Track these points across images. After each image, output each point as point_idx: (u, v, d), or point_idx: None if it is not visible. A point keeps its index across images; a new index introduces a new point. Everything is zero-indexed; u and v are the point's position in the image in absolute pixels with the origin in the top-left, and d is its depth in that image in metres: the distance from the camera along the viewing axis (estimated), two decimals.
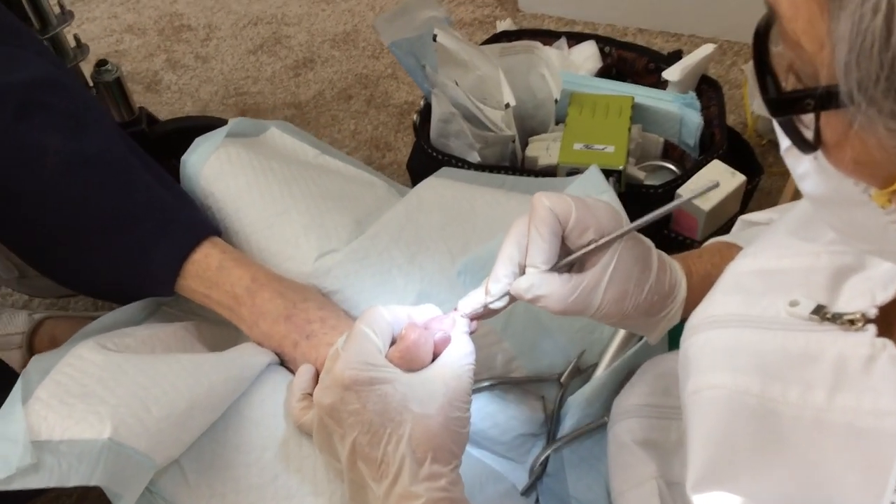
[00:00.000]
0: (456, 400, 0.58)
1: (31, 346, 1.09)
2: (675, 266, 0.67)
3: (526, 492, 0.78)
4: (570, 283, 0.60)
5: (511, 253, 0.61)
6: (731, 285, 0.56)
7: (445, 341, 0.62)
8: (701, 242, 1.15)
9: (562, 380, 0.79)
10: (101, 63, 1.18)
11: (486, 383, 0.78)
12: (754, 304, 0.53)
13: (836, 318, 0.48)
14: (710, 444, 0.49)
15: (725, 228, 1.14)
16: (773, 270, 0.54)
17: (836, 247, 0.52)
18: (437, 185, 0.89)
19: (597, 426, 0.77)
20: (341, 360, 0.58)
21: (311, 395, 0.66)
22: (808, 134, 0.38)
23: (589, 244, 0.61)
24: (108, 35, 1.85)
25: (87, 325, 0.76)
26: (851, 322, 0.47)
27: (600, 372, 0.79)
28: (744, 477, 0.47)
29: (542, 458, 0.77)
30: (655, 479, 0.65)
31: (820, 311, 0.49)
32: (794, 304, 0.50)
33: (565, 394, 0.80)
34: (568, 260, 0.62)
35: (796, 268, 0.53)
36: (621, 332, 0.80)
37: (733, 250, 0.70)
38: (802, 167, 0.41)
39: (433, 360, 0.62)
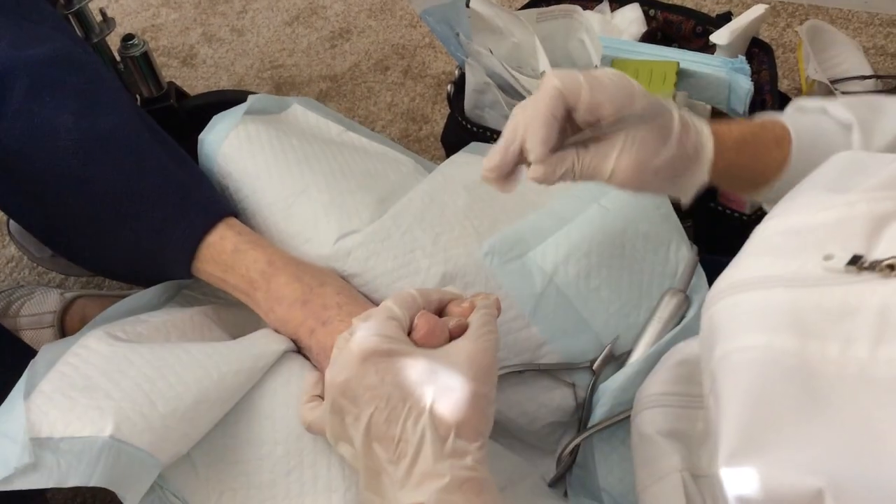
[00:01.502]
0: (481, 375, 0.54)
1: (63, 326, 1.09)
2: (701, 128, 0.64)
3: (554, 483, 0.74)
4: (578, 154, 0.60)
5: (507, 137, 0.62)
6: (758, 247, 0.52)
7: (461, 328, 0.59)
8: (750, 216, 1.09)
9: (594, 367, 0.75)
10: (128, 38, 1.16)
11: (513, 369, 0.75)
12: (786, 264, 0.49)
13: (874, 267, 0.45)
14: (745, 409, 0.45)
15: None
16: (804, 228, 0.50)
17: (877, 193, 0.48)
18: (465, 162, 0.85)
19: (629, 415, 0.73)
20: (359, 333, 0.54)
21: (319, 396, 0.63)
22: None
23: (597, 123, 0.60)
24: (144, 9, 1.83)
25: (105, 310, 0.74)
26: (892, 267, 0.44)
27: (635, 359, 0.75)
28: (785, 443, 0.43)
29: (571, 446, 0.73)
30: (679, 472, 0.61)
31: (857, 262, 0.46)
32: (828, 257, 0.47)
33: (597, 381, 0.75)
34: (576, 139, 0.61)
35: (830, 221, 0.49)
36: (658, 317, 0.76)
37: (777, 127, 0.68)
38: None
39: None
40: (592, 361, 0.75)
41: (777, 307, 0.47)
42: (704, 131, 0.64)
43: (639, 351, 0.75)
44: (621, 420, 0.72)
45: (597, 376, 0.75)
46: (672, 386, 0.64)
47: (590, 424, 0.74)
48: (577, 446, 0.73)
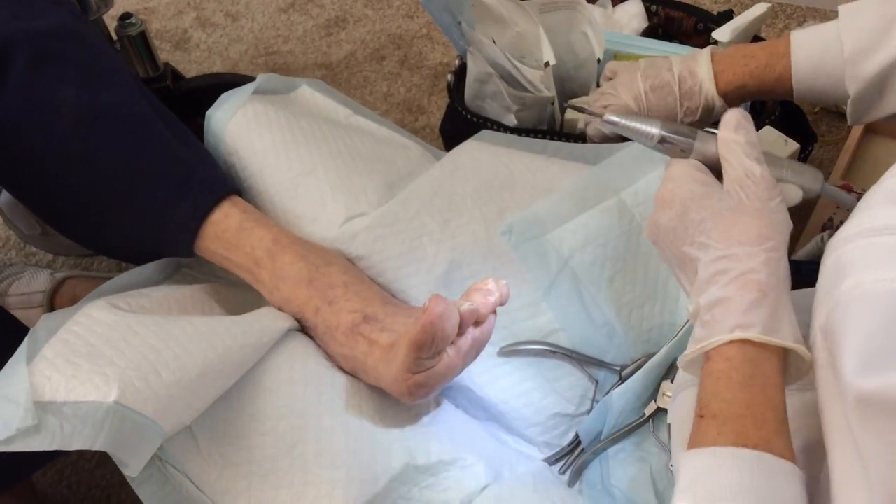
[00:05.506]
0: None
1: (53, 306, 1.07)
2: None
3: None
4: None
5: None
6: (886, 198, 0.51)
7: (471, 313, 0.59)
8: None
9: (623, 373, 0.75)
10: (126, 16, 1.14)
11: (543, 346, 0.74)
12: None
13: None
14: (879, 327, 0.44)
15: None
16: None
17: None
18: (474, 149, 0.84)
19: (640, 424, 0.73)
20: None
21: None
22: None
23: None
24: None
25: (102, 285, 0.73)
26: None
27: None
28: None
29: (581, 460, 0.74)
30: None
31: None
32: None
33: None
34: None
35: None
36: None
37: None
38: None
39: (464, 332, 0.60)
40: (623, 367, 0.75)
41: None
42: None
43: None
44: (640, 425, 0.72)
45: (622, 382, 0.75)
46: None
47: (605, 428, 0.74)
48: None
